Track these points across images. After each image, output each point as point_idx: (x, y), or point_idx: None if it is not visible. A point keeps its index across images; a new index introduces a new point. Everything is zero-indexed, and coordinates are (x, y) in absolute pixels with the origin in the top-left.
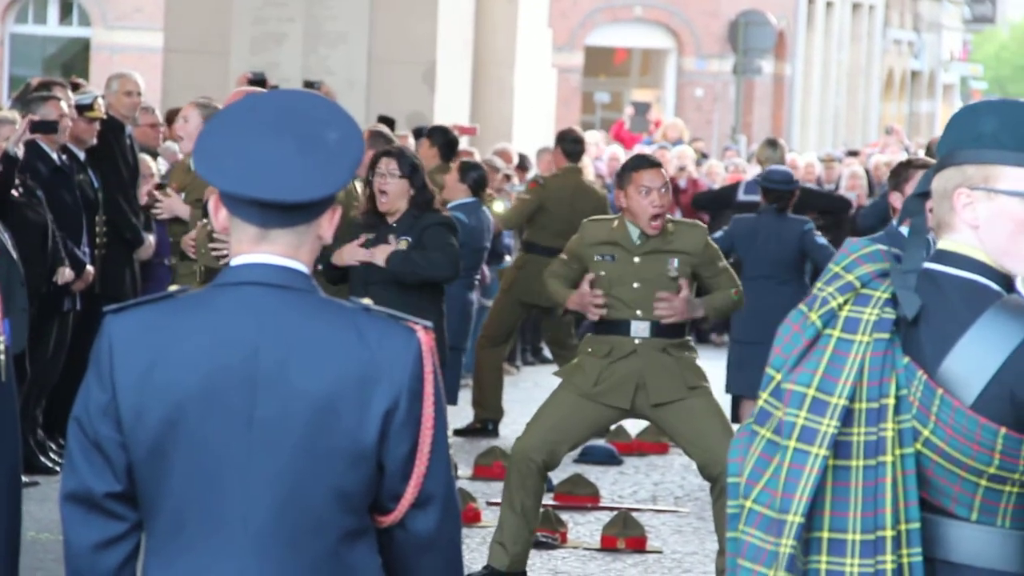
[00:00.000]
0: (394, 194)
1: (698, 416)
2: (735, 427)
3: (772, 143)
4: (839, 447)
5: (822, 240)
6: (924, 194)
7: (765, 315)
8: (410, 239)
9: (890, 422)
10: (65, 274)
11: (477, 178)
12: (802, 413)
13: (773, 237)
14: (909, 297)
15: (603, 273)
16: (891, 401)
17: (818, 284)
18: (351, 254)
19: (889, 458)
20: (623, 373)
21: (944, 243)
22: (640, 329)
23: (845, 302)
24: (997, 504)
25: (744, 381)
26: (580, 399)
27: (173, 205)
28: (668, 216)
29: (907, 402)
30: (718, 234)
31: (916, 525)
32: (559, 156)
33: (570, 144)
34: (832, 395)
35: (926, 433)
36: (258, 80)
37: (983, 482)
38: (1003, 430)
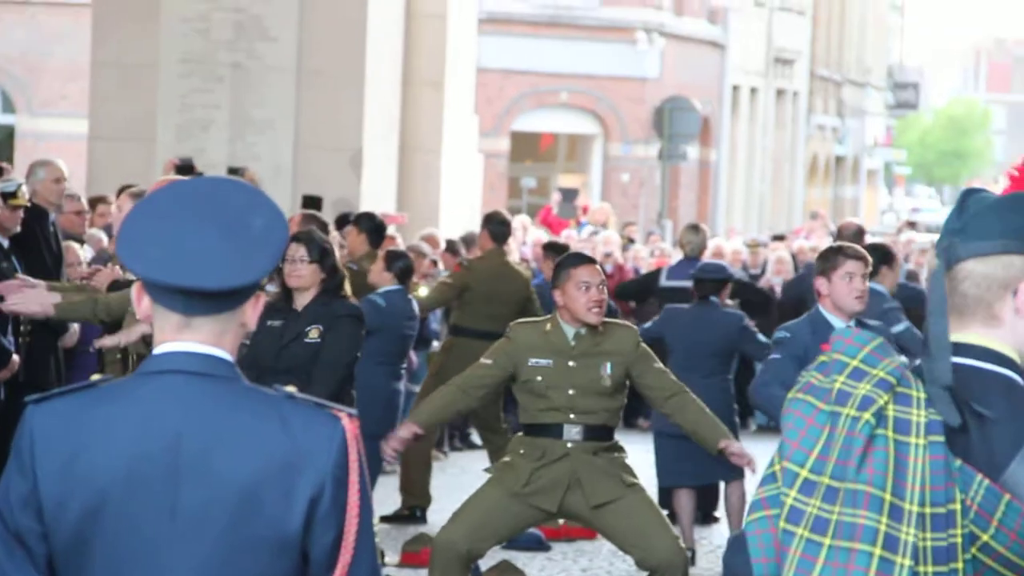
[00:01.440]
0: (305, 279)
1: (636, 513)
2: (665, 514)
3: (695, 228)
4: (899, 546)
5: (762, 337)
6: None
7: None
8: (321, 327)
9: (959, 528)
10: None
11: (404, 267)
12: (883, 519)
13: (705, 329)
14: (949, 411)
15: (539, 378)
16: (958, 507)
17: (839, 379)
18: None
19: (960, 564)
20: (554, 476)
21: (968, 336)
22: (573, 432)
23: (887, 401)
24: None
25: (677, 473)
26: (508, 498)
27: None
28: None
29: (965, 506)
30: (648, 324)
31: None
32: (485, 238)
33: (497, 226)
34: (904, 500)
35: (985, 538)
36: (186, 166)
37: None
38: None
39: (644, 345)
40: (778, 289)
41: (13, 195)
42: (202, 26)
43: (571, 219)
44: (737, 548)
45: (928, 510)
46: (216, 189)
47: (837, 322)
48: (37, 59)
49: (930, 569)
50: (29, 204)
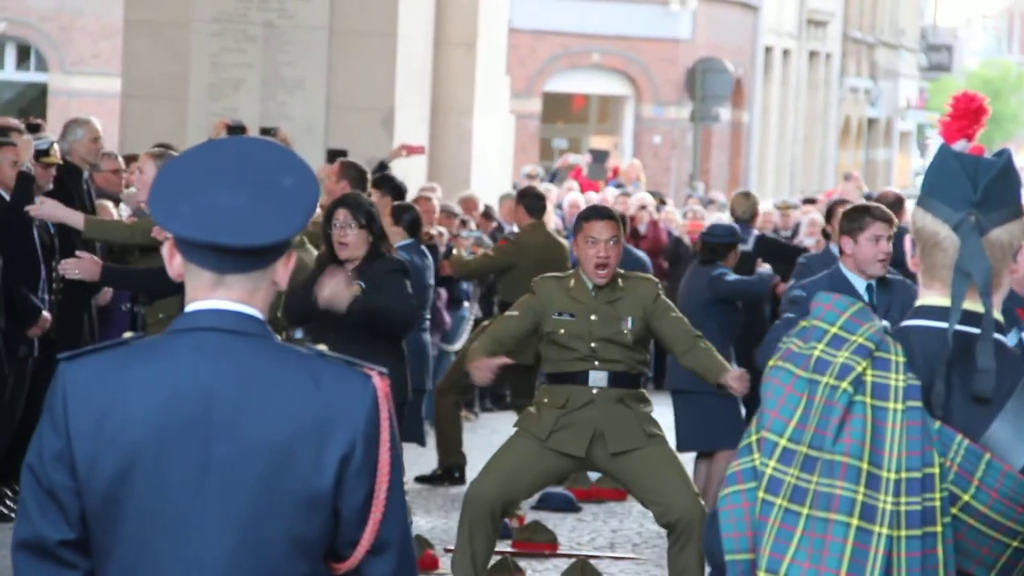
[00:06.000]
0: (353, 244)
1: (656, 465)
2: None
3: (746, 194)
4: (876, 515)
5: (732, 276)
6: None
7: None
8: (363, 284)
9: (937, 491)
10: None
11: (411, 220)
12: (860, 488)
13: (689, 287)
14: (988, 377)
15: (563, 331)
16: (936, 470)
17: (818, 346)
18: (332, 291)
19: (939, 528)
20: (579, 421)
21: (977, 305)
22: (598, 379)
23: (865, 367)
24: (1016, 563)
25: (695, 437)
26: (537, 448)
27: (54, 210)
28: (620, 270)
29: (944, 468)
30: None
31: None
32: (522, 213)
33: (532, 200)
34: (882, 468)
35: (966, 498)
36: (237, 127)
37: (1015, 543)
38: None
39: (664, 298)
40: (813, 250)
41: (46, 153)
42: None
43: (600, 180)
44: (712, 524)
45: (904, 475)
46: (246, 148)
47: (858, 282)
48: (69, 17)
49: (903, 533)
50: (62, 162)
